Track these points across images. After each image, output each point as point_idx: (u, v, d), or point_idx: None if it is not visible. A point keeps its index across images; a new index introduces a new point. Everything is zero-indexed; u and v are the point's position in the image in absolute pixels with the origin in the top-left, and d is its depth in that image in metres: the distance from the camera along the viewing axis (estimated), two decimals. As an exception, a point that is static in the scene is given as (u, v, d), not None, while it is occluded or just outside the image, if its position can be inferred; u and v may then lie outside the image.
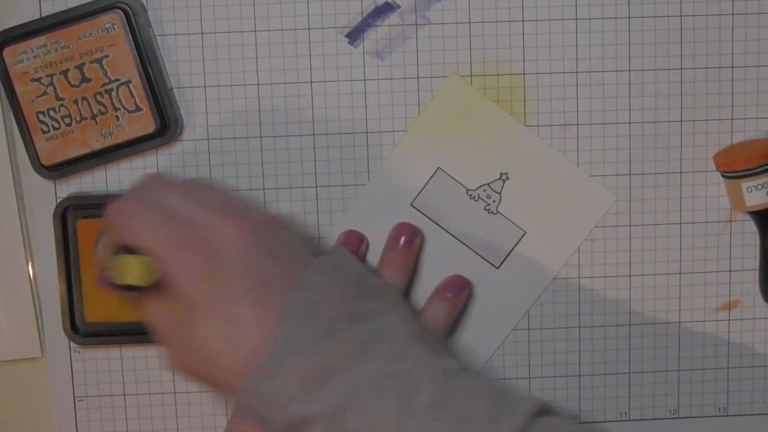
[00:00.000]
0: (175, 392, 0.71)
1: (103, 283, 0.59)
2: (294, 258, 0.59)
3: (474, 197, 0.70)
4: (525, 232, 0.70)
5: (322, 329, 0.55)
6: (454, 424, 0.53)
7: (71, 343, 0.70)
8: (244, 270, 0.56)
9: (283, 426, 0.55)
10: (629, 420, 0.72)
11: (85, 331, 0.69)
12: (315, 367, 0.54)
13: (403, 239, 0.68)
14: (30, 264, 0.70)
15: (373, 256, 0.70)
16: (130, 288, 0.57)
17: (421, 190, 0.70)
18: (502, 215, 0.70)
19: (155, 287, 0.57)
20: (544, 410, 0.55)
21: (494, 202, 0.70)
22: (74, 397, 0.71)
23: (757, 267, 0.70)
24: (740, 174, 0.66)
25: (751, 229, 0.70)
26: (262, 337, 0.55)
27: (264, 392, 0.54)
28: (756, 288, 0.71)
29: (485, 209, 0.70)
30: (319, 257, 0.59)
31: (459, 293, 0.69)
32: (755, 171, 0.66)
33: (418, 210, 0.70)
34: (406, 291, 0.69)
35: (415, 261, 0.69)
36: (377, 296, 0.60)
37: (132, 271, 0.56)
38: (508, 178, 0.70)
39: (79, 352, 0.70)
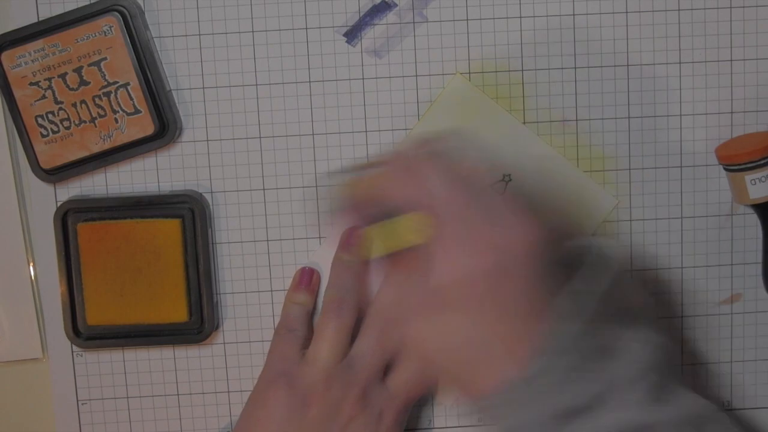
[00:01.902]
0: (178, 394, 0.71)
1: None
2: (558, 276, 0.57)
3: (476, 197, 0.70)
4: (526, 233, 0.70)
5: (571, 367, 0.54)
6: None
7: (73, 346, 0.70)
8: (520, 282, 0.56)
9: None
10: (633, 415, 0.72)
11: (86, 335, 0.69)
12: (560, 408, 0.54)
13: None
14: (32, 265, 0.70)
15: (375, 255, 0.70)
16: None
17: (424, 189, 0.70)
18: (504, 216, 0.70)
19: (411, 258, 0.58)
20: None
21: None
22: (77, 400, 0.71)
23: (760, 260, 0.70)
24: (744, 167, 0.66)
25: (752, 222, 0.70)
26: (514, 366, 0.55)
27: (504, 417, 0.55)
28: (759, 281, 0.71)
29: (487, 209, 0.70)
30: (578, 279, 0.57)
31: None
32: (758, 163, 0.66)
33: (420, 209, 0.70)
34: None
35: None
36: (619, 324, 0.58)
37: (413, 231, 0.57)
38: (510, 180, 0.70)
39: (81, 356, 0.70)
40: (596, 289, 0.57)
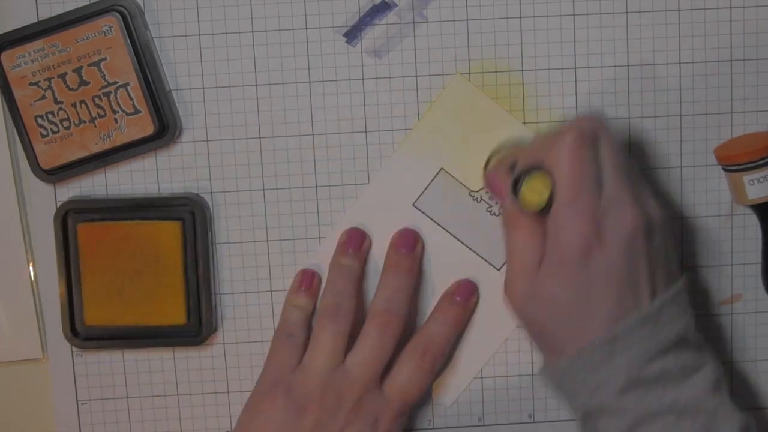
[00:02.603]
0: (178, 394, 0.71)
1: (494, 188, 0.65)
2: (656, 269, 0.60)
3: (476, 198, 0.70)
4: (526, 233, 0.70)
5: (657, 345, 0.58)
6: None
7: (72, 346, 0.70)
8: (616, 263, 0.58)
9: (582, 405, 0.60)
10: (633, 416, 0.72)
11: (84, 335, 0.69)
12: (633, 376, 0.58)
13: (404, 246, 0.68)
14: (31, 265, 0.70)
15: (375, 257, 0.70)
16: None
17: (424, 190, 0.70)
18: (505, 216, 0.70)
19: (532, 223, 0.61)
20: None
21: (496, 203, 0.70)
22: (77, 400, 0.71)
23: (759, 260, 0.70)
24: (742, 167, 0.66)
25: (752, 222, 0.70)
26: (601, 330, 0.58)
27: (584, 373, 0.59)
28: (758, 281, 0.71)
29: (487, 211, 0.70)
30: (672, 287, 0.61)
31: (469, 297, 0.69)
32: (757, 164, 0.66)
33: (420, 210, 0.70)
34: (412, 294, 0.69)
35: (419, 264, 0.69)
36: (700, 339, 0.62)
37: (542, 192, 0.60)
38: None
39: (81, 356, 0.70)
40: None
